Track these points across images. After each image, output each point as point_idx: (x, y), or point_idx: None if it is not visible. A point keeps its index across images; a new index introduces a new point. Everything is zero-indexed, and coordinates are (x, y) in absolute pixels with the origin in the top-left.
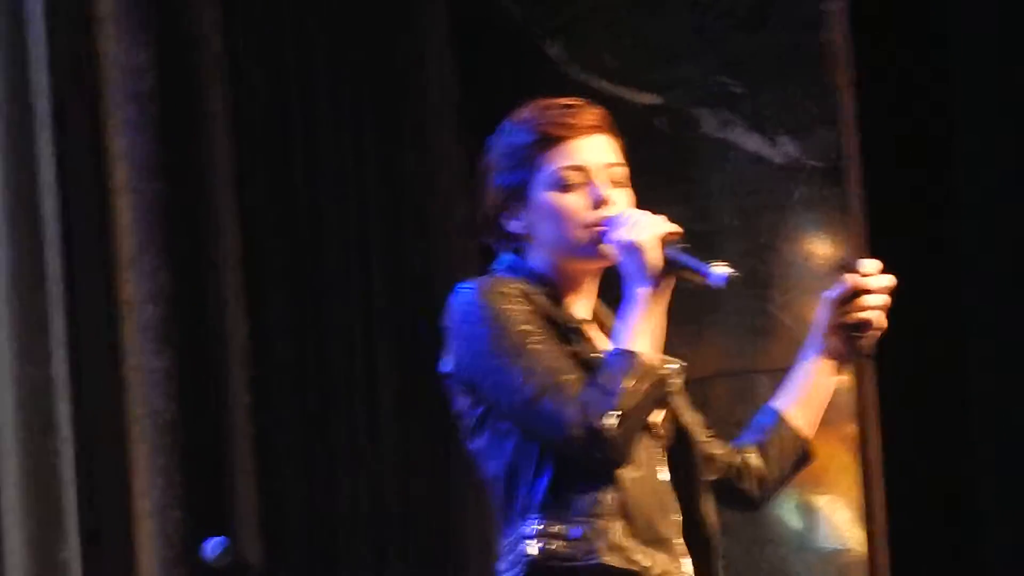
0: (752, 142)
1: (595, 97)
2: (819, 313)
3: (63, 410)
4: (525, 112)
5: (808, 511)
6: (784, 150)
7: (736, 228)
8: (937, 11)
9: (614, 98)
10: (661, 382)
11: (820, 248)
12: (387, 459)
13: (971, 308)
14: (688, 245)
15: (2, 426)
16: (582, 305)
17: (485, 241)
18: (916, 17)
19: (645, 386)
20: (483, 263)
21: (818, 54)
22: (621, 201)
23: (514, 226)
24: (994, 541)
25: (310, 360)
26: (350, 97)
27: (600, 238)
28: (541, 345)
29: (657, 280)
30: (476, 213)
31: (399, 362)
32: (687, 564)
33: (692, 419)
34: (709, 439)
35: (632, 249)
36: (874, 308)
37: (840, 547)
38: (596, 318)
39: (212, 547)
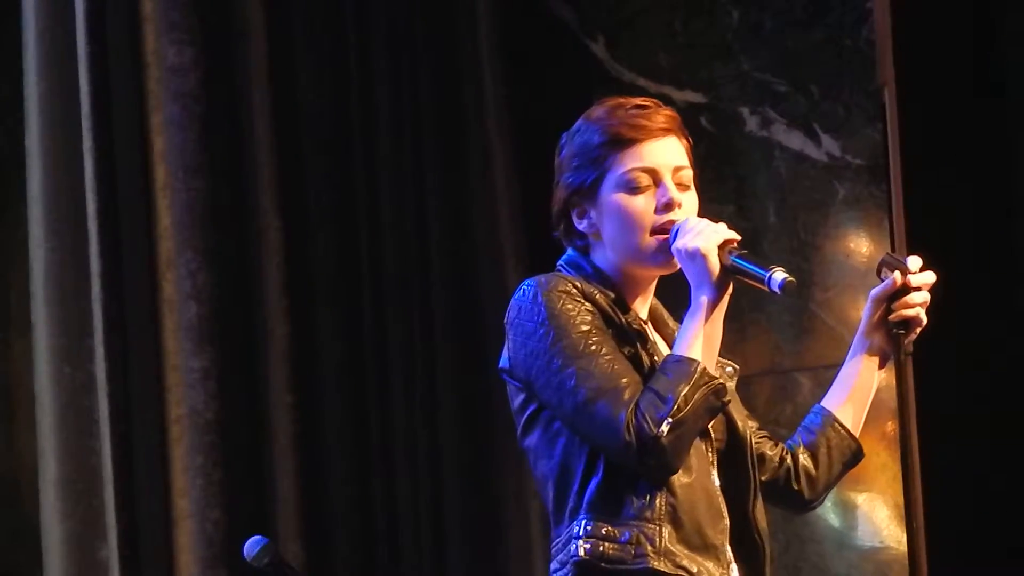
0: (796, 140)
1: (639, 95)
2: (864, 311)
3: (103, 410)
4: (598, 111)
5: (847, 509)
6: (827, 149)
7: (779, 226)
8: (984, 8)
9: (659, 97)
10: (718, 392)
11: (862, 246)
12: (428, 460)
13: (1012, 306)
14: (747, 251)
15: (43, 426)
16: (641, 306)
17: (556, 236)
18: (962, 15)
19: (701, 395)
20: (533, 262)
21: (862, 53)
22: (688, 204)
23: (582, 225)
24: None
25: (352, 360)
26: (397, 94)
27: (663, 246)
28: (599, 347)
29: (718, 287)
30: (550, 208)
31: (443, 363)
32: (735, 572)
33: (744, 421)
34: (761, 440)
35: (695, 256)
36: (917, 305)
37: (879, 545)
38: (654, 318)
39: (251, 546)
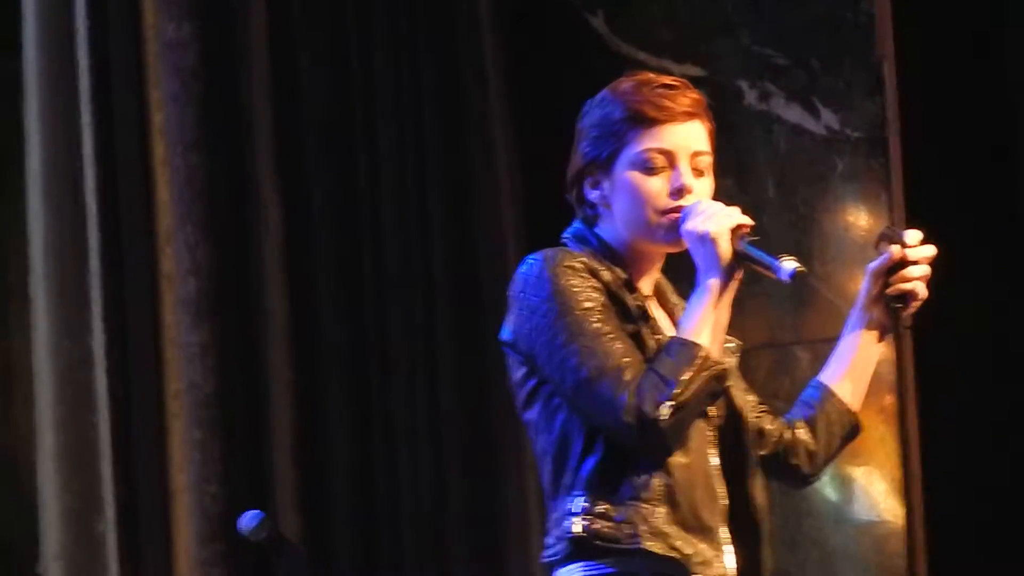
0: (795, 114)
1: (639, 69)
2: (862, 285)
3: (101, 384)
4: (624, 84)
5: (845, 483)
6: (827, 122)
7: (778, 200)
8: None
9: (658, 70)
10: (719, 377)
11: (861, 220)
12: (428, 434)
13: (1012, 279)
14: (758, 238)
15: (41, 400)
16: (646, 281)
17: (568, 199)
18: None
19: (703, 379)
20: (532, 237)
21: (862, 26)
22: (701, 190)
23: (593, 195)
24: None
25: (351, 335)
26: (397, 69)
27: (673, 225)
28: (602, 325)
29: (727, 271)
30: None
31: (444, 338)
32: (729, 554)
33: (744, 398)
34: (760, 415)
35: (705, 240)
36: (916, 279)
37: (877, 519)
38: (658, 292)
39: (248, 521)
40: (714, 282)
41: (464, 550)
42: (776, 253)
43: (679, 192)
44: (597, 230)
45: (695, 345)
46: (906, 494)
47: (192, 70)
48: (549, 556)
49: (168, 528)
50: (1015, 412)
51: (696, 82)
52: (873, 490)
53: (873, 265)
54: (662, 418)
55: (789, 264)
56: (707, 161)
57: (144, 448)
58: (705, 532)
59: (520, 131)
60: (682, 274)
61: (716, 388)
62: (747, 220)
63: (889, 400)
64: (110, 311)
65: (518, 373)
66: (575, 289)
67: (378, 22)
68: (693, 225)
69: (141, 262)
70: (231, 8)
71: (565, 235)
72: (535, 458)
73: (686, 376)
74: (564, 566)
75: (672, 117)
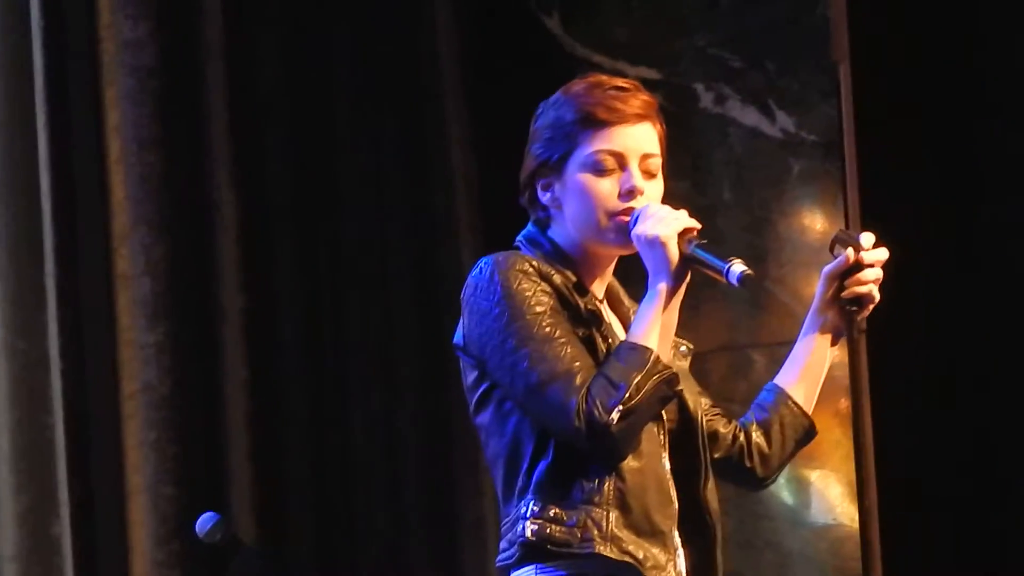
0: (751, 117)
1: (594, 71)
2: (817, 288)
3: (56, 385)
4: (577, 87)
5: (801, 486)
6: (782, 125)
7: (733, 202)
8: None
9: (613, 72)
10: (670, 381)
11: (817, 223)
12: (384, 435)
13: (965, 282)
14: (706, 241)
15: None
16: (598, 284)
17: (521, 202)
18: None
19: (653, 383)
20: (489, 236)
21: (818, 29)
22: (651, 192)
23: (545, 197)
24: (985, 517)
25: (308, 335)
26: (353, 68)
27: (623, 228)
28: (553, 329)
29: (676, 275)
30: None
31: (400, 337)
32: (681, 559)
33: (697, 401)
34: (714, 417)
35: (654, 244)
36: (871, 282)
37: (832, 522)
38: (610, 296)
39: (203, 523)
40: (663, 286)
41: (421, 552)
42: (730, 255)
43: (629, 194)
44: (550, 233)
45: (645, 349)
46: (860, 497)
47: (148, 69)
48: (503, 560)
49: (124, 529)
50: (969, 415)
51: (652, 84)
52: (829, 493)
53: (828, 268)
54: (612, 422)
55: (737, 267)
56: (657, 163)
57: (100, 449)
58: (657, 536)
59: (476, 133)
60: (634, 277)
61: (667, 392)
62: (695, 224)
63: (844, 403)
64: (65, 312)
65: (470, 377)
66: (526, 293)
67: (335, 19)
68: (642, 229)
69: (96, 262)
70: (188, 7)
71: (518, 239)
72: (487, 463)
73: (636, 380)
74: (517, 570)
75: (623, 119)
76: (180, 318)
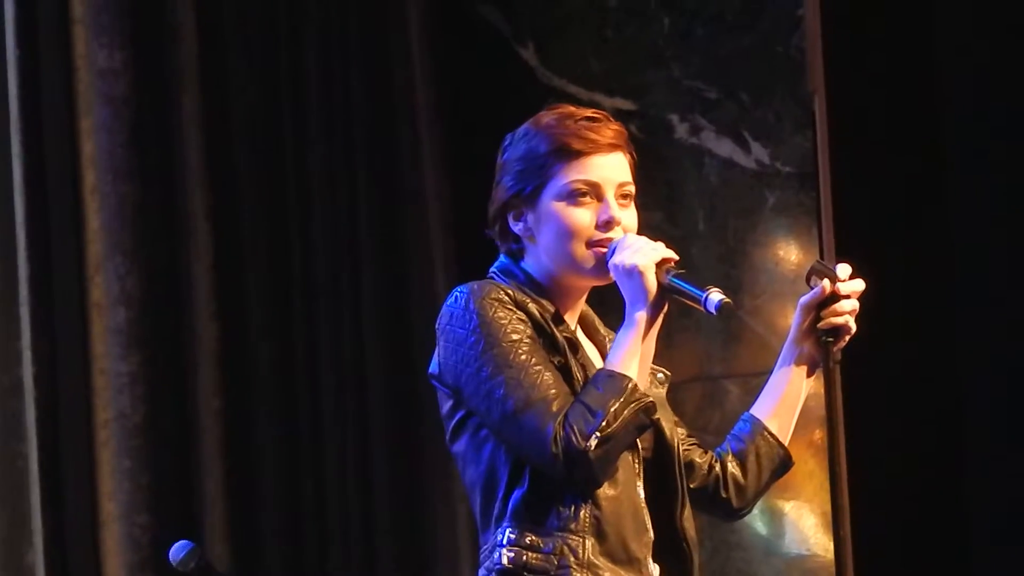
0: (725, 147)
1: (569, 102)
2: (793, 319)
3: (30, 413)
4: (547, 118)
5: (774, 516)
6: (757, 156)
7: (708, 233)
8: (913, 18)
9: (588, 103)
10: (647, 409)
11: (791, 254)
12: (357, 463)
13: (939, 314)
14: (684, 271)
15: None
16: (572, 315)
17: (489, 235)
18: (892, 24)
19: (631, 411)
20: (462, 265)
21: (793, 60)
22: (627, 221)
23: (518, 227)
24: (961, 546)
25: (281, 364)
26: (328, 98)
27: (601, 259)
28: (529, 357)
29: (654, 304)
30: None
31: (373, 366)
32: None
33: (673, 429)
34: (690, 447)
35: (632, 273)
36: (847, 313)
37: (806, 552)
38: (584, 325)
39: (177, 551)
40: (641, 315)
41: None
42: (705, 285)
43: (607, 224)
44: (522, 264)
45: (622, 377)
46: (835, 528)
47: (124, 99)
48: None
49: (97, 557)
50: (943, 446)
51: (627, 115)
52: (802, 524)
53: (805, 299)
54: (589, 449)
55: (715, 296)
56: (632, 191)
57: (73, 478)
58: (633, 563)
59: (450, 163)
60: (610, 307)
61: (644, 421)
62: (672, 254)
63: (819, 434)
64: (39, 341)
65: (446, 406)
66: (502, 321)
67: (309, 49)
68: (620, 259)
69: (71, 292)
70: (163, 37)
71: (492, 270)
72: (465, 490)
73: (613, 408)
74: None
75: (597, 149)
76: (154, 347)
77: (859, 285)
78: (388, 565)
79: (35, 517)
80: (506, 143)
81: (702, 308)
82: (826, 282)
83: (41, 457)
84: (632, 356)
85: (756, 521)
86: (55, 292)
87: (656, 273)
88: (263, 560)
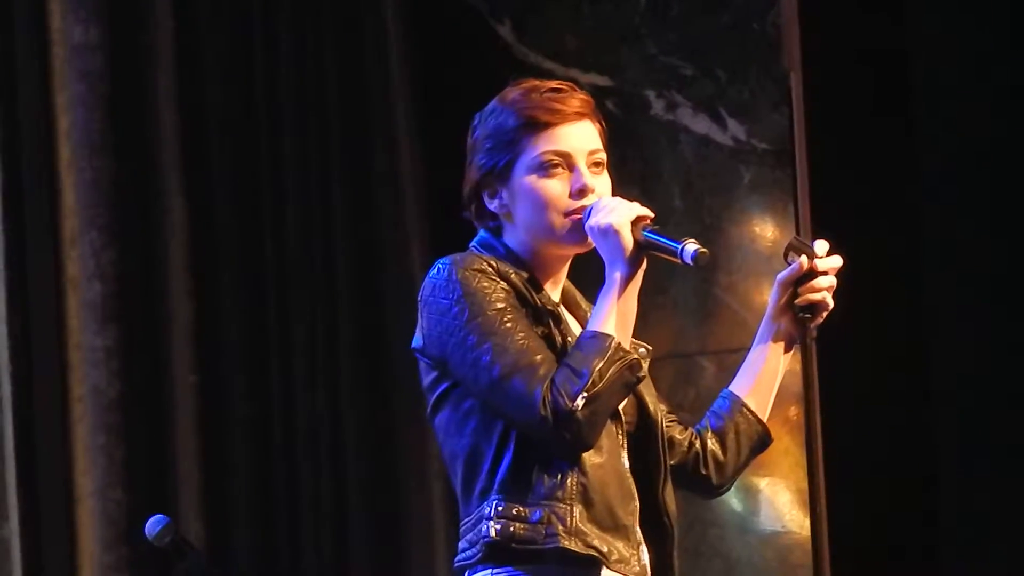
0: (701, 124)
1: (546, 78)
2: (771, 296)
3: (5, 388)
4: (513, 93)
5: (750, 493)
6: (733, 133)
7: (684, 210)
8: None
9: (565, 79)
10: (632, 366)
11: (767, 231)
12: (330, 441)
13: (917, 290)
14: (659, 227)
15: None
16: (554, 287)
17: (466, 216)
18: (867, 2)
19: (616, 369)
20: (437, 243)
21: (769, 38)
22: (600, 188)
23: (493, 205)
24: (936, 523)
25: (255, 340)
26: (302, 74)
27: (578, 225)
28: (514, 324)
29: (631, 262)
30: (461, 188)
31: (346, 344)
32: (644, 552)
33: (656, 404)
34: (670, 424)
35: (608, 233)
36: (824, 289)
37: (781, 529)
38: (566, 300)
39: (152, 526)
40: (619, 274)
41: (366, 555)
42: (681, 238)
43: (581, 192)
44: (503, 239)
45: (605, 336)
46: (811, 505)
47: (99, 74)
48: (462, 560)
49: (72, 533)
50: (920, 423)
51: (603, 92)
52: (778, 501)
53: (782, 275)
54: (577, 409)
55: (691, 247)
56: (603, 158)
57: (48, 453)
58: (621, 531)
59: (426, 141)
60: (589, 281)
61: (629, 378)
62: (648, 212)
63: (794, 411)
64: (14, 315)
65: (429, 378)
66: (486, 290)
67: (284, 26)
68: (595, 220)
69: (46, 266)
70: (138, 12)
71: (472, 244)
72: (444, 463)
73: (598, 366)
74: (476, 571)
75: (565, 118)
76: (129, 322)
77: (836, 261)
78: (361, 540)
79: (10, 492)
80: (475, 122)
81: (679, 260)
82: (803, 258)
83: (16, 432)
84: (613, 315)
85: (731, 498)
86: (30, 267)
87: (632, 231)
88: (237, 535)
